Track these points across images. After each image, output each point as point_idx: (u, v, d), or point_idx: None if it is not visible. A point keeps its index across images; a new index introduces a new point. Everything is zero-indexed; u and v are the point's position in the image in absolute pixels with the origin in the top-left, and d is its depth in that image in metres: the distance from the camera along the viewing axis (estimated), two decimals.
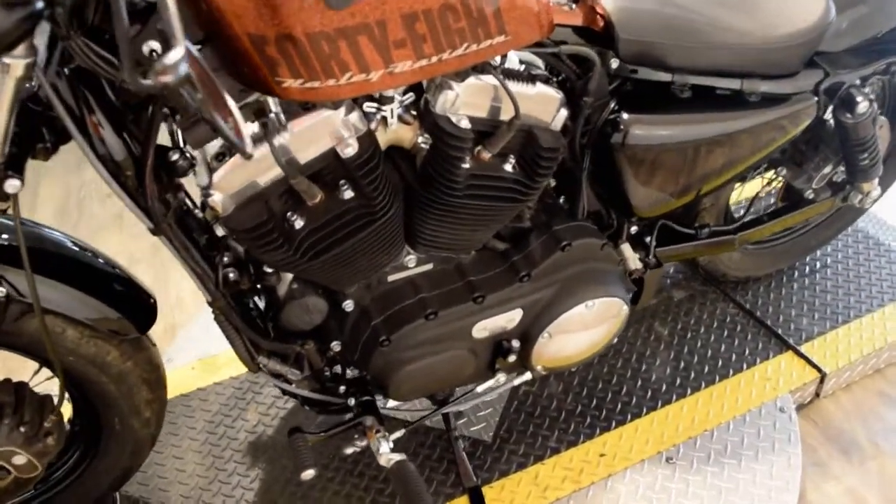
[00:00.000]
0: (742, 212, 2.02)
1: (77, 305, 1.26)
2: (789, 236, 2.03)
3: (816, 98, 1.49)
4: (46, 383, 1.36)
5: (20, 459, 1.27)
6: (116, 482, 1.53)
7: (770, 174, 1.81)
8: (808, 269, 2.13)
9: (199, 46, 0.99)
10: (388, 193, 1.22)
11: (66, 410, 1.39)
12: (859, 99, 1.51)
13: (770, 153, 1.51)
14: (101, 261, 1.35)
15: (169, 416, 1.78)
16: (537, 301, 1.44)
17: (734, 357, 1.87)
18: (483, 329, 1.42)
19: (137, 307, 1.35)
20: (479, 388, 1.55)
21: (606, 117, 1.37)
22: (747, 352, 1.89)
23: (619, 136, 1.36)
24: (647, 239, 1.60)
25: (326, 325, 1.39)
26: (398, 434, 1.50)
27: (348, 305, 1.38)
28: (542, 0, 1.14)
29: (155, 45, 0.90)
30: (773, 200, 2.04)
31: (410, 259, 1.37)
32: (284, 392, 1.53)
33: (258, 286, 1.34)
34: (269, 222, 1.15)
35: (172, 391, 1.80)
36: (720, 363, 1.86)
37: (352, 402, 1.45)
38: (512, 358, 1.46)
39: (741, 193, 1.99)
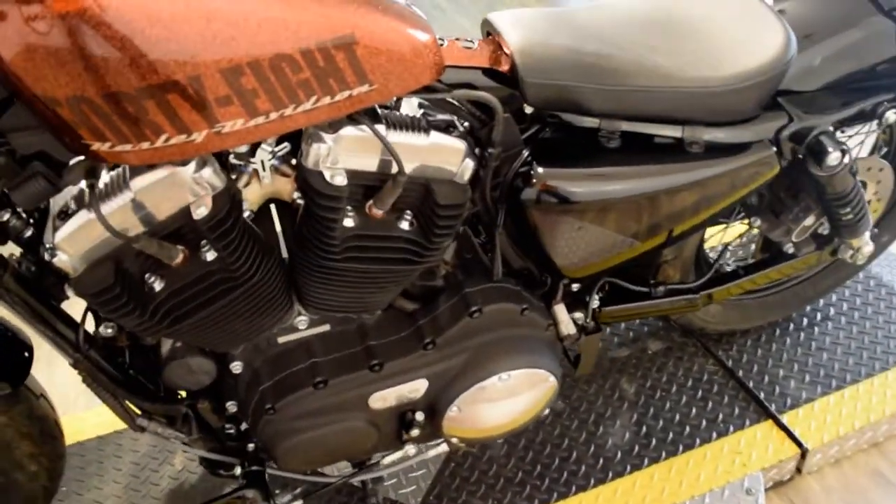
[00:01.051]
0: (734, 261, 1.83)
1: None
2: (782, 285, 1.81)
3: (775, 148, 1.29)
4: None
5: None
6: None
7: (743, 222, 1.60)
8: (805, 321, 1.90)
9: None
10: (253, 257, 1.09)
11: None
12: (830, 149, 1.29)
13: (726, 208, 1.32)
14: None
15: (97, 455, 1.71)
16: (444, 371, 1.29)
17: (704, 424, 1.68)
18: (381, 399, 1.29)
19: (8, 359, 1.27)
20: (386, 460, 1.42)
21: (517, 169, 1.21)
22: (720, 418, 1.69)
23: (530, 191, 1.19)
24: (588, 299, 1.43)
25: (221, 383, 1.28)
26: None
27: (236, 367, 1.26)
28: (424, 42, 1.00)
29: None
30: (751, 250, 1.83)
31: (302, 320, 1.25)
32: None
33: (136, 344, 1.25)
34: (117, 285, 1.04)
35: (108, 427, 1.74)
36: (687, 430, 1.67)
37: (238, 471, 1.34)
38: (416, 431, 1.33)
39: (722, 238, 1.78)
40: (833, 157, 1.30)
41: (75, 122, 0.86)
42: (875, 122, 1.38)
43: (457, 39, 1.20)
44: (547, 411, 1.43)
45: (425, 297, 1.32)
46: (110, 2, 0.80)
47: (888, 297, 1.95)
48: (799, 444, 1.62)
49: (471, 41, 1.20)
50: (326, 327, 1.28)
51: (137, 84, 0.85)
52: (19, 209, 1.06)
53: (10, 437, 1.30)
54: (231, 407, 1.30)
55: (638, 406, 1.73)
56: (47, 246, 1.03)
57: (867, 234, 1.50)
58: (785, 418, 1.67)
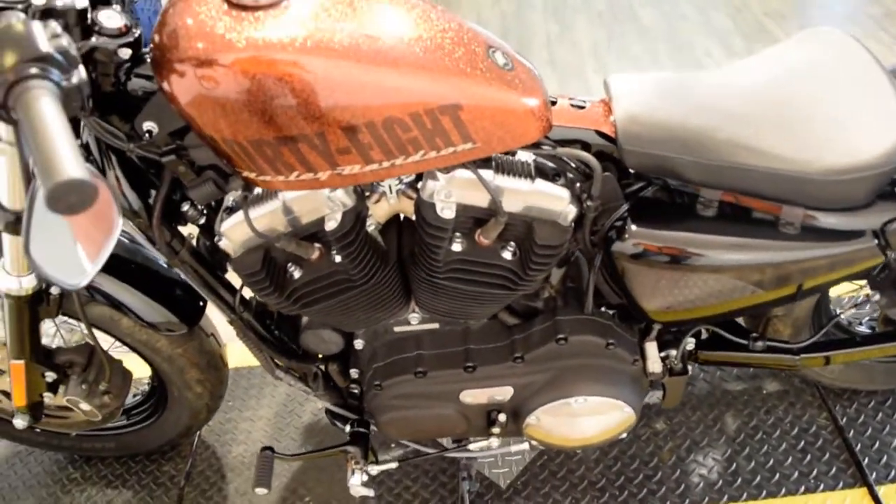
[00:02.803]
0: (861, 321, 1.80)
1: (130, 300, 1.53)
2: None
3: (877, 241, 1.28)
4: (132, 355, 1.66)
5: (85, 406, 1.59)
6: (182, 434, 1.84)
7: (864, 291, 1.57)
8: None
9: None
10: (371, 265, 1.30)
11: (147, 372, 1.72)
12: None
13: (823, 285, 1.34)
14: (163, 265, 1.60)
15: (260, 381, 2.06)
16: (529, 383, 1.45)
17: (796, 475, 1.71)
18: (471, 396, 1.47)
19: (186, 306, 1.59)
20: (472, 447, 1.61)
21: (613, 222, 1.32)
22: (814, 474, 1.71)
23: (621, 244, 1.30)
24: (683, 342, 1.51)
25: (348, 353, 1.53)
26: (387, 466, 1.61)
27: (359, 344, 1.51)
28: (531, 107, 1.14)
29: (151, 125, 1.11)
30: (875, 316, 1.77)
31: (414, 317, 1.46)
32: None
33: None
34: (263, 271, 1.30)
35: None
36: (776, 478, 1.71)
37: (347, 429, 1.59)
38: (498, 429, 1.50)
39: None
40: None
41: (228, 155, 1.10)
42: None
43: (570, 99, 1.31)
44: (624, 436, 1.55)
45: (526, 315, 1.48)
46: (256, 76, 1.02)
47: None
48: None
49: (583, 102, 1.30)
50: (436, 325, 1.48)
51: (275, 135, 1.07)
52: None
53: (182, 365, 1.65)
54: (354, 373, 1.55)
55: (735, 442, 1.78)
56: (216, 231, 1.31)
57: None
58: (881, 490, 1.67)
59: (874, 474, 1.70)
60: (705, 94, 1.28)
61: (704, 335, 1.57)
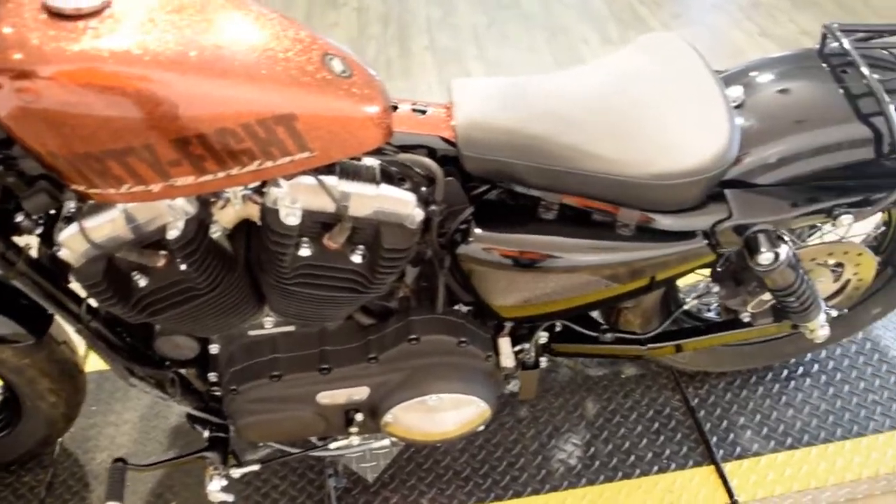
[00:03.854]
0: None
1: None
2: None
3: (706, 241, 1.35)
4: None
5: None
6: (40, 444, 1.78)
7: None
8: (784, 373, 1.95)
9: None
10: (216, 273, 1.29)
11: None
12: (763, 248, 1.33)
13: (664, 280, 1.41)
14: None
15: (124, 385, 2.00)
16: (384, 383, 1.47)
17: (650, 456, 1.79)
18: (328, 397, 1.48)
19: (33, 316, 1.54)
20: (334, 445, 1.62)
21: (458, 225, 1.34)
22: (667, 454, 1.80)
23: (465, 247, 1.33)
24: (535, 336, 1.56)
25: (205, 356, 1.51)
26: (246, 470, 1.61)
27: (214, 348, 1.49)
28: (370, 114, 1.14)
29: None
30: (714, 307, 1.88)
31: (268, 320, 1.45)
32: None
33: None
34: (106, 281, 1.27)
35: None
36: (631, 459, 1.79)
37: (206, 434, 1.58)
38: (356, 428, 1.52)
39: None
40: (765, 257, 1.34)
41: (53, 168, 1.07)
42: (830, 224, 1.41)
43: (413, 104, 1.32)
44: (482, 427, 1.60)
45: (381, 315, 1.49)
46: (78, 88, 0.98)
47: (878, 364, 1.96)
48: (730, 495, 1.71)
49: (425, 108, 1.32)
50: (292, 328, 1.48)
51: (100, 148, 1.04)
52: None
53: (32, 376, 1.60)
54: (212, 377, 1.53)
55: (594, 426, 1.85)
56: (55, 241, 1.27)
57: (820, 318, 1.54)
58: (727, 467, 1.77)
59: (721, 452, 1.80)
60: (545, 99, 1.31)
61: (559, 328, 1.62)
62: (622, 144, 1.26)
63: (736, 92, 1.38)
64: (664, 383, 1.94)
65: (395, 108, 1.31)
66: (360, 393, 1.48)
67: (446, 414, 1.53)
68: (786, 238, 1.38)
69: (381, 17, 3.59)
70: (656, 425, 1.86)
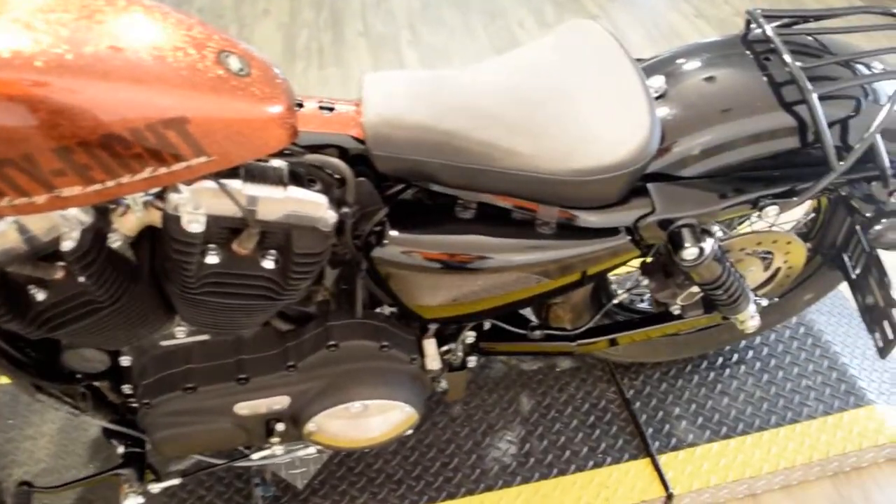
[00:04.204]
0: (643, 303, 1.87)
1: None
2: None
3: (630, 237, 1.31)
4: None
5: None
6: None
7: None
8: (719, 361, 1.94)
9: None
10: (117, 284, 1.21)
11: None
12: (686, 244, 1.30)
13: (591, 276, 1.37)
14: None
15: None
16: (304, 391, 1.41)
17: (585, 451, 1.77)
18: (247, 408, 1.42)
19: None
20: (255, 456, 1.56)
21: (372, 227, 1.28)
22: (602, 448, 1.77)
23: (379, 250, 1.27)
24: (461, 336, 1.51)
25: (118, 367, 1.44)
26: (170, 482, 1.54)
27: (125, 361, 1.41)
28: (271, 114, 1.07)
29: None
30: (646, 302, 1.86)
31: (180, 330, 1.38)
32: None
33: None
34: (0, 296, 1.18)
35: None
36: (566, 455, 1.76)
37: (121, 450, 1.51)
38: (277, 439, 1.46)
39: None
40: (689, 253, 1.31)
41: None
42: (756, 215, 1.38)
43: (320, 102, 1.25)
44: (411, 432, 1.55)
45: (300, 320, 1.43)
46: None
47: (811, 348, 1.96)
48: (666, 488, 1.70)
49: (333, 105, 1.25)
50: (207, 336, 1.41)
51: None
52: None
53: None
54: (126, 389, 1.45)
55: (529, 422, 1.82)
56: None
57: (750, 309, 1.52)
58: (663, 459, 1.75)
59: (657, 444, 1.78)
60: (459, 94, 1.26)
61: (487, 326, 1.58)
62: (539, 140, 1.21)
63: (657, 82, 1.34)
64: (599, 375, 1.92)
65: (301, 105, 1.24)
66: (281, 402, 1.42)
67: (372, 420, 1.48)
68: (711, 231, 1.35)
69: (315, 1, 3.50)
70: (591, 419, 1.83)
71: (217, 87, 1.03)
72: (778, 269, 1.64)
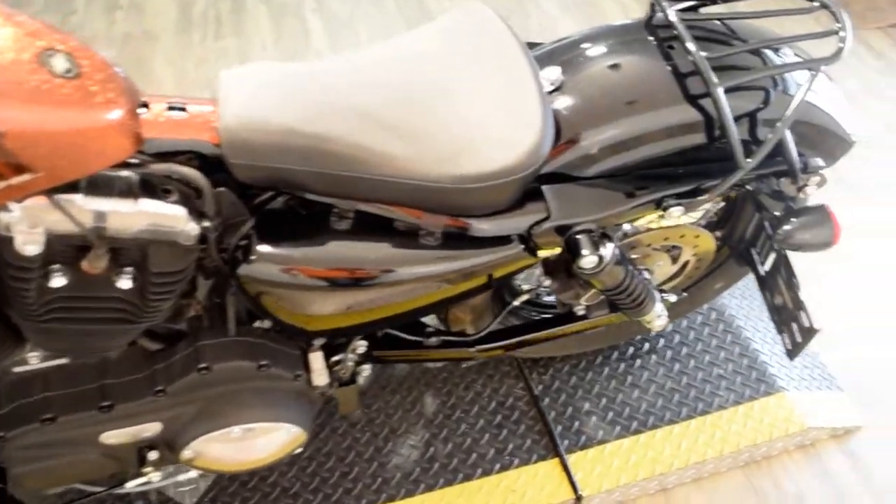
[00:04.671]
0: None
1: None
2: None
3: (524, 245, 1.21)
4: None
5: None
6: None
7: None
8: (630, 351, 1.88)
9: None
10: None
11: None
12: (584, 251, 1.21)
13: (503, 277, 1.27)
14: None
15: None
16: (177, 417, 1.29)
17: (492, 454, 1.69)
18: (114, 437, 1.29)
19: None
20: (129, 485, 1.43)
21: (238, 241, 1.15)
22: (509, 449, 1.69)
23: (246, 267, 1.14)
24: (351, 346, 1.40)
25: None
26: None
27: None
28: (108, 122, 0.93)
29: None
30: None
31: (34, 356, 1.23)
32: None
33: None
34: None
35: None
36: (472, 459, 1.68)
37: None
38: (151, 467, 1.33)
39: None
40: (587, 261, 1.22)
41: None
42: (659, 215, 1.29)
43: (169, 101, 1.10)
44: (300, 449, 1.44)
45: (171, 338, 1.30)
46: None
47: (723, 335, 1.91)
48: (575, 490, 1.63)
49: (185, 105, 1.10)
50: (66, 360, 1.27)
51: None
52: None
53: None
54: None
55: (433, 425, 1.73)
56: None
57: (656, 309, 1.45)
58: (572, 458, 1.68)
59: (566, 442, 1.71)
60: (330, 91, 1.12)
61: (379, 333, 1.47)
62: (419, 144, 1.09)
63: (553, 73, 1.23)
64: (507, 371, 1.83)
65: (147, 107, 1.09)
66: (152, 429, 1.29)
67: (256, 441, 1.36)
68: (612, 236, 1.26)
69: None
70: (498, 418, 1.75)
71: (36, 94, 0.88)
72: (687, 262, 1.57)
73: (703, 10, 1.35)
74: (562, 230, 1.22)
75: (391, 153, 1.08)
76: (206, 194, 1.07)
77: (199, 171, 1.06)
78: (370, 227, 1.16)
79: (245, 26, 2.95)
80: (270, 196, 1.16)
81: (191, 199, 1.10)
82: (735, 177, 1.22)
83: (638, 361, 1.86)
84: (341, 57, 1.18)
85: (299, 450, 1.43)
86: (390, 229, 1.17)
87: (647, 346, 1.89)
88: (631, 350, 1.88)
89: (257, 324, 1.33)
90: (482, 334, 1.49)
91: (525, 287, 1.60)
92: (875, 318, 2.08)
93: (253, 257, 1.13)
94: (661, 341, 1.90)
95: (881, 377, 1.95)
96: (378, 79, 1.15)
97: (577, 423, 1.75)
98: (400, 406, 1.76)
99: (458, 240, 1.18)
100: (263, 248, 1.13)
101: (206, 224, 1.09)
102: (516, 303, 1.50)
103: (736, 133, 1.19)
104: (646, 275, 1.49)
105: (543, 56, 1.28)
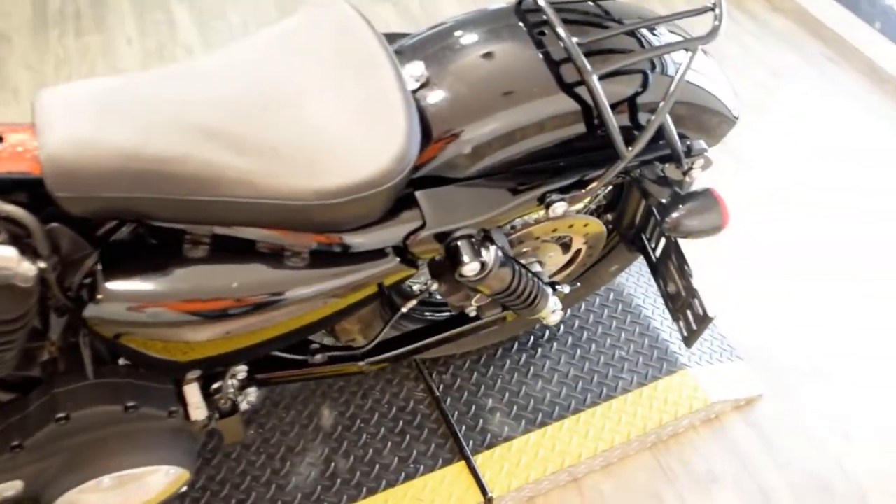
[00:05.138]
0: None
1: None
2: None
3: (400, 258, 1.13)
4: None
5: None
6: None
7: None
8: (531, 340, 1.83)
9: None
10: None
11: None
12: (465, 258, 1.14)
13: (365, 300, 1.19)
14: None
15: None
16: (39, 472, 1.17)
17: (395, 463, 1.62)
18: None
19: None
20: None
21: (81, 280, 1.03)
22: (413, 457, 1.63)
23: (93, 309, 1.02)
24: (229, 373, 1.30)
25: None
26: None
27: None
28: None
29: None
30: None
31: None
32: None
33: None
34: None
35: None
36: (375, 471, 1.60)
37: None
38: None
39: None
40: (469, 269, 1.15)
41: None
42: (544, 212, 1.23)
43: None
44: (185, 489, 1.34)
45: (25, 386, 1.17)
46: None
47: (622, 315, 1.89)
48: (484, 492, 1.58)
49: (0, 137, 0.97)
50: None
51: None
52: None
53: None
54: None
55: (332, 439, 1.64)
56: None
57: (550, 304, 1.40)
58: (478, 459, 1.62)
59: (471, 443, 1.65)
60: (168, 106, 1.00)
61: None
62: (272, 159, 0.98)
63: (417, 69, 1.14)
64: (406, 373, 1.76)
65: None
66: (13, 487, 1.17)
67: (133, 487, 1.25)
68: (494, 238, 1.19)
69: None
70: (400, 424, 1.68)
71: None
72: (578, 251, 1.52)
73: None
74: (441, 237, 1.14)
75: (241, 171, 0.98)
76: (34, 232, 0.95)
77: (21, 208, 0.93)
78: (229, 252, 1.05)
79: (107, 20, 2.75)
80: (115, 226, 1.04)
81: (20, 237, 0.97)
82: (617, 167, 1.17)
83: (539, 351, 1.82)
84: (180, 65, 1.07)
85: (184, 488, 1.33)
86: (253, 252, 1.06)
87: (546, 334, 1.85)
88: (531, 340, 1.84)
89: (122, 360, 1.22)
90: (371, 345, 1.41)
91: (416, 288, 1.52)
92: (770, 286, 2.10)
93: (99, 296, 1.02)
94: (562, 328, 1.86)
95: (778, 342, 1.97)
96: (222, 89, 1.03)
97: (481, 422, 1.69)
98: (296, 422, 1.67)
99: (328, 257, 1.09)
100: (110, 286, 1.01)
101: (43, 265, 0.97)
102: (405, 309, 1.42)
103: (614, 121, 1.14)
104: (537, 267, 1.44)
105: (406, 50, 1.19)
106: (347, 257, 1.10)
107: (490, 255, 1.16)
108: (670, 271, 1.40)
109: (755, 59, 2.82)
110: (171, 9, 2.82)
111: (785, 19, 3.02)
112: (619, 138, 1.15)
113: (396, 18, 2.88)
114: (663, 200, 1.27)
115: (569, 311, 1.89)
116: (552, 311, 1.41)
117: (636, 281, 1.97)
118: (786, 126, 2.57)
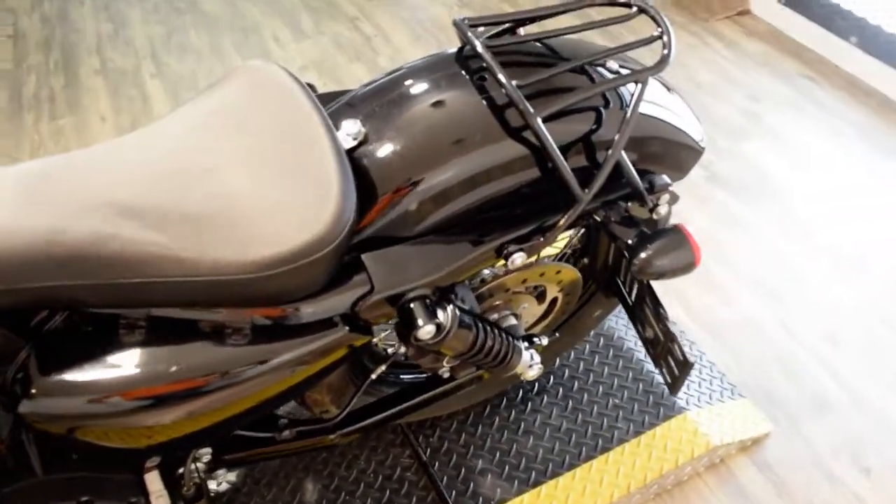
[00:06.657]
0: None
1: None
2: None
3: (349, 326, 1.08)
4: None
5: None
6: None
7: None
8: (520, 394, 1.75)
9: None
10: None
11: None
12: (420, 321, 1.07)
13: (325, 369, 1.12)
14: None
15: None
16: None
17: None
18: None
19: None
20: None
21: (14, 374, 0.98)
22: None
23: (28, 404, 0.97)
24: (191, 456, 1.23)
25: None
26: None
27: None
28: None
29: None
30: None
31: None
32: None
33: None
34: None
35: None
36: None
37: None
38: None
39: None
40: (424, 332, 1.08)
41: None
42: (501, 265, 1.17)
43: None
44: None
45: None
46: None
47: (614, 360, 1.81)
48: None
49: None
50: None
51: None
52: None
53: None
54: None
55: None
56: None
57: (525, 359, 1.33)
58: None
59: None
60: (85, 188, 0.95)
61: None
62: (197, 234, 0.93)
63: (353, 127, 1.09)
64: (391, 439, 1.69)
65: None
66: None
67: None
68: (459, 293, 1.13)
69: (43, 42, 3.05)
70: (387, 494, 1.60)
71: None
72: (555, 300, 1.46)
73: (520, 30, 1.25)
74: (393, 300, 1.08)
75: (165, 248, 0.92)
76: None
77: None
78: (167, 335, 1.00)
79: (81, 101, 2.75)
80: (47, 315, 0.99)
81: None
82: (575, 211, 1.12)
83: (529, 406, 1.74)
84: (104, 145, 1.02)
85: None
86: (192, 332, 1.01)
87: (536, 387, 1.77)
88: (520, 394, 1.76)
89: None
90: (343, 415, 1.34)
91: (389, 350, 1.46)
92: (766, 317, 2.02)
93: (33, 391, 0.96)
94: (551, 379, 1.79)
95: (781, 375, 1.88)
96: (146, 166, 0.99)
97: (472, 486, 1.61)
98: (279, 499, 1.59)
99: (271, 331, 1.03)
100: (43, 380, 0.96)
101: None
102: (375, 374, 1.36)
103: (565, 163, 1.08)
104: (511, 321, 1.37)
105: (343, 108, 1.15)
106: (292, 330, 1.04)
107: (447, 315, 1.10)
108: (646, 315, 1.33)
109: (734, 84, 2.79)
110: (145, 84, 2.82)
111: (760, 42, 2.98)
112: (573, 180, 1.09)
113: (368, 76, 2.87)
114: (630, 241, 1.21)
115: (557, 361, 1.81)
116: (528, 366, 1.34)
117: (626, 323, 1.90)
118: (771, 150, 2.52)
